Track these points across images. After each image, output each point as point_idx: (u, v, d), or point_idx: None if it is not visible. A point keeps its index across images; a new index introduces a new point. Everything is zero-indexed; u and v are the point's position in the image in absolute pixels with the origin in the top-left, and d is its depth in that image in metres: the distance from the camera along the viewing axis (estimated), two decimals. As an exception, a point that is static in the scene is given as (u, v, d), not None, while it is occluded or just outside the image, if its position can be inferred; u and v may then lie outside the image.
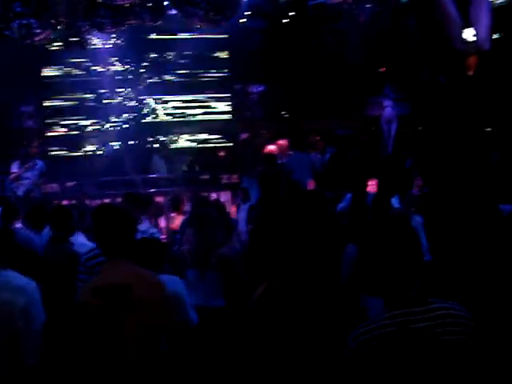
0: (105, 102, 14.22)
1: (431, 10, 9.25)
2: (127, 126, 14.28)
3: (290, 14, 12.33)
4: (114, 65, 14.22)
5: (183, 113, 14.63)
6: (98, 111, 14.14)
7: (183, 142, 14.66)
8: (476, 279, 4.35)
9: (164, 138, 14.46)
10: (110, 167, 12.84)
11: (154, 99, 14.48)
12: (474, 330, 2.50)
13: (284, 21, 12.58)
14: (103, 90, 14.12)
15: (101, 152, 14.16)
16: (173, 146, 14.47)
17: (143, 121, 14.42)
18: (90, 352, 2.67)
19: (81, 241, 5.34)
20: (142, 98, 14.38)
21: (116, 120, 14.27)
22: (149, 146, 14.32)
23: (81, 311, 2.86)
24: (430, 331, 2.41)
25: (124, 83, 14.27)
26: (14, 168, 10.96)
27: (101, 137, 14.25)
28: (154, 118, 14.50)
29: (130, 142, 14.24)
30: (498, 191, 6.61)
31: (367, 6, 11.04)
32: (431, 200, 7.06)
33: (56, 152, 14.20)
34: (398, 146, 12.33)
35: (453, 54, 9.34)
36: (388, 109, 12.71)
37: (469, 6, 8.81)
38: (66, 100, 14.20)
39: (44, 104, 14.16)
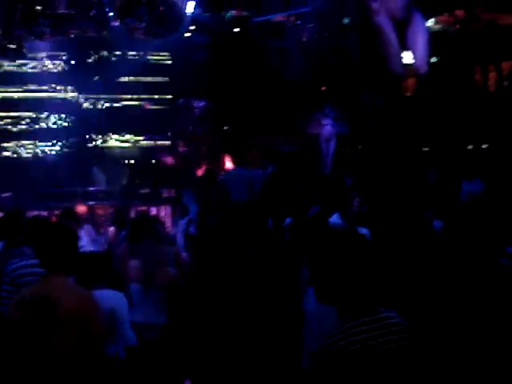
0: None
1: (371, 33, 9.52)
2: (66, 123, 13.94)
3: (235, 30, 12.41)
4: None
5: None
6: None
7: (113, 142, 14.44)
8: (410, 290, 4.57)
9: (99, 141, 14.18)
10: (47, 177, 12.50)
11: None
12: (410, 337, 2.62)
13: (229, 37, 12.64)
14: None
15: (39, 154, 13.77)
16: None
17: (89, 145, 14.21)
18: (14, 364, 2.62)
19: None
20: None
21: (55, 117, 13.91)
22: (90, 144, 13.98)
23: (3, 324, 2.80)
24: (379, 340, 2.50)
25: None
26: None
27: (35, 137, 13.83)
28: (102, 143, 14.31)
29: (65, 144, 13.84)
30: (434, 208, 6.80)
31: (310, 25, 11.22)
32: (370, 217, 7.18)
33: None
34: (337, 165, 12.52)
35: (391, 75, 9.62)
36: (327, 127, 12.89)
37: (407, 30, 9.09)
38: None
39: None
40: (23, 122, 13.65)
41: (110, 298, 4.12)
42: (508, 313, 4.77)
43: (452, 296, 4.75)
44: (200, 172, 10.95)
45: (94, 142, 14.09)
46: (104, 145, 14.14)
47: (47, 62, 13.44)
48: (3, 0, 8.82)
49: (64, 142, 13.78)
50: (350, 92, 11.54)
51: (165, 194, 12.45)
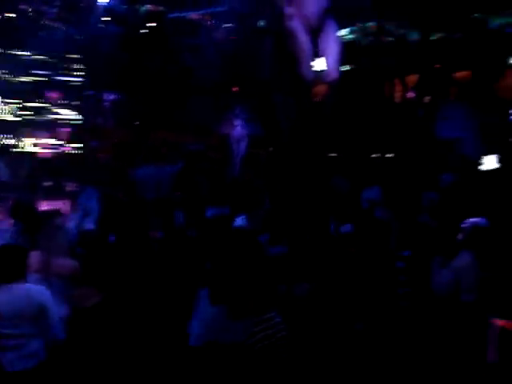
0: None
1: (285, 37, 9.61)
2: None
3: (149, 24, 12.22)
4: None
5: (30, 115, 13.91)
6: None
7: (29, 146, 13.92)
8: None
9: (8, 141, 13.64)
10: None
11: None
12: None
13: (143, 31, 12.43)
14: None
15: None
16: (17, 149, 13.68)
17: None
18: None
19: None
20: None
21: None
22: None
23: None
24: (277, 336, 2.66)
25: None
26: None
27: None
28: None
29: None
30: (342, 213, 6.94)
31: (225, 25, 11.22)
32: (273, 218, 7.25)
33: None
34: (247, 166, 12.57)
35: (302, 80, 9.75)
36: (238, 128, 12.92)
37: (319, 38, 9.22)
38: None
39: None
40: None
41: (37, 293, 4.07)
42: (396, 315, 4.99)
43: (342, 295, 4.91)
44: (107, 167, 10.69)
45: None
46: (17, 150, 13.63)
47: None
48: None
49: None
50: (262, 94, 11.62)
51: (68, 188, 12.07)
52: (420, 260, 5.64)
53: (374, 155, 10.61)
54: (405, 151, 9.94)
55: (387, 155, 10.49)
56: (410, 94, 10.79)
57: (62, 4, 9.17)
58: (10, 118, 13.80)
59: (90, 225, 7.66)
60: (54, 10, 9.49)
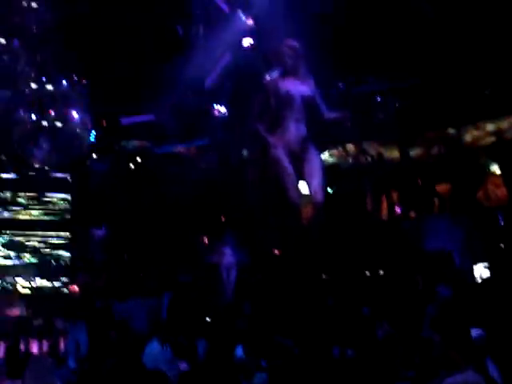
0: None
1: (269, 165, 9.92)
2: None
3: (137, 159, 12.61)
4: None
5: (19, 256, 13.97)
6: None
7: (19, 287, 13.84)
8: None
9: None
10: None
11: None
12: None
13: (131, 165, 12.80)
14: None
15: None
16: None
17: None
18: None
19: None
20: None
21: None
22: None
23: None
24: None
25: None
26: None
27: None
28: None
29: None
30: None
31: (209, 156, 11.60)
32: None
33: None
34: (238, 294, 12.50)
35: (289, 204, 9.95)
36: (227, 256, 12.97)
37: (302, 162, 9.48)
38: None
39: None
40: None
41: None
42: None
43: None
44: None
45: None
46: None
47: None
48: None
49: None
50: (250, 221, 11.79)
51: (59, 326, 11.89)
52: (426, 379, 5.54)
53: (366, 273, 10.67)
54: (396, 266, 10.03)
55: (379, 272, 10.57)
56: (395, 210, 11.06)
57: (52, 147, 9.42)
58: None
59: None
60: (43, 153, 9.69)
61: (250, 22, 9.33)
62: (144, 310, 11.02)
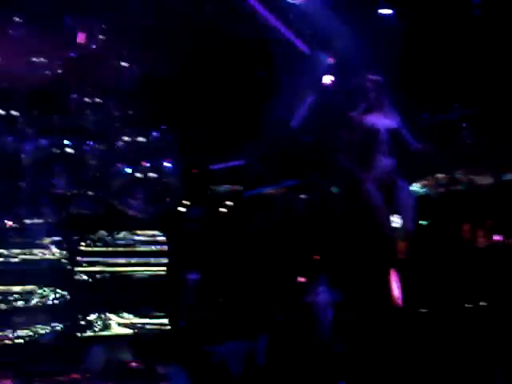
0: None
1: (359, 200, 9.87)
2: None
3: (228, 202, 12.86)
4: None
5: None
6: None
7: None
8: None
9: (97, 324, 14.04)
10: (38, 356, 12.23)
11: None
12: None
13: (221, 209, 13.07)
14: None
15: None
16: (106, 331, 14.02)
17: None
18: None
19: None
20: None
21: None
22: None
23: None
24: None
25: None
26: None
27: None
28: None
29: None
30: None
31: (300, 196, 11.65)
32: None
33: None
34: (335, 332, 12.34)
35: (383, 239, 9.82)
36: (323, 295, 12.88)
37: (393, 195, 9.38)
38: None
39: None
40: None
41: None
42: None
43: None
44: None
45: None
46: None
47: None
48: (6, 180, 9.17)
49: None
50: (343, 259, 11.70)
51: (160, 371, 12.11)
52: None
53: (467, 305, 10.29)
54: (500, 297, 9.62)
55: (481, 303, 10.16)
56: (492, 237, 10.67)
57: (146, 197, 9.79)
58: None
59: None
60: (138, 203, 10.06)
61: (331, 59, 9.46)
62: (241, 352, 11.06)
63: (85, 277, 14.15)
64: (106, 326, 14.13)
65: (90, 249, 14.16)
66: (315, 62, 9.85)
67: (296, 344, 11.72)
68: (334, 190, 11.45)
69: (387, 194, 9.13)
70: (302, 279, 13.01)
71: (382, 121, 8.53)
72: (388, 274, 9.68)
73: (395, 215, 9.92)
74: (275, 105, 10.83)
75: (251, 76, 10.61)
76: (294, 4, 9.18)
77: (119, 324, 14.22)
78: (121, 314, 14.28)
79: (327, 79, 9.82)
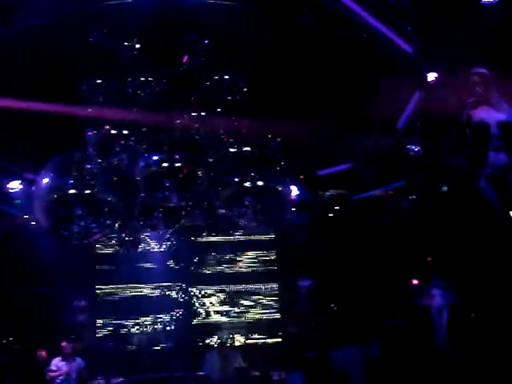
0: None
1: (472, 198, 9.54)
2: (173, 326, 14.54)
3: (335, 208, 12.84)
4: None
5: (232, 310, 14.87)
6: (149, 305, 14.49)
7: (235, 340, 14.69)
8: None
9: (222, 339, 14.55)
10: (158, 363, 12.78)
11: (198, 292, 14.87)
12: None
13: (329, 215, 13.07)
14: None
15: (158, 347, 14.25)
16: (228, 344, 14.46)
17: (193, 322, 14.69)
18: None
19: None
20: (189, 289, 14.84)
21: (164, 319, 14.54)
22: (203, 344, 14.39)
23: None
24: None
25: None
26: (54, 365, 10.96)
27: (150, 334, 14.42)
28: (205, 318, 14.77)
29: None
30: None
31: (410, 197, 11.42)
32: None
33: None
34: (450, 337, 11.97)
35: (500, 240, 9.43)
36: (437, 298, 12.53)
37: (506, 192, 9.00)
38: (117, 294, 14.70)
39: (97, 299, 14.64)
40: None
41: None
42: None
43: None
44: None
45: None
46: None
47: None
48: (122, 196, 9.60)
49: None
50: (458, 261, 11.34)
51: (275, 377, 12.25)
52: None
53: None
54: None
55: None
56: None
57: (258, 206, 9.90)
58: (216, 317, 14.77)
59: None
60: (250, 212, 10.20)
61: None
62: (360, 357, 10.99)
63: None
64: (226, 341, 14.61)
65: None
66: (418, 60, 9.64)
67: (411, 348, 11.49)
68: (445, 189, 11.10)
69: (500, 190, 8.80)
70: (415, 282, 12.73)
71: (492, 115, 8.22)
72: (506, 274, 9.28)
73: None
74: (380, 106, 10.69)
75: (354, 78, 10.54)
76: (393, 3, 9.06)
77: (237, 340, 14.64)
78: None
79: (431, 76, 9.57)
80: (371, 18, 9.44)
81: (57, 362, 10.90)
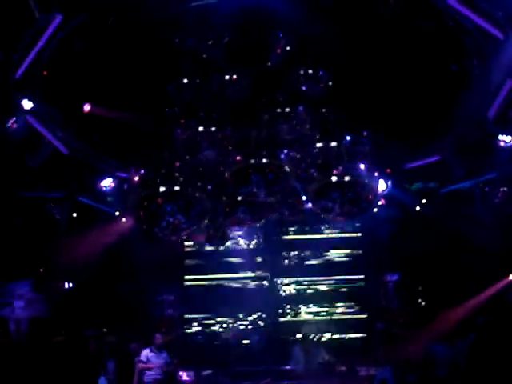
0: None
1: None
2: (263, 324, 14.69)
3: (423, 201, 12.60)
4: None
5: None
6: (236, 300, 14.71)
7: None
8: None
9: (308, 335, 14.60)
10: (245, 357, 12.97)
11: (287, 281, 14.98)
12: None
13: (417, 208, 12.83)
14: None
15: (245, 341, 14.36)
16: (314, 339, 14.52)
17: (281, 319, 14.80)
18: None
19: None
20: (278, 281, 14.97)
21: (254, 317, 14.78)
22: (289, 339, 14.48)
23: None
24: None
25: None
26: (143, 356, 11.24)
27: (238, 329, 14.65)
28: (294, 316, 14.87)
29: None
30: None
31: (500, 189, 11.04)
32: None
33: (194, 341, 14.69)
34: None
35: None
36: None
37: None
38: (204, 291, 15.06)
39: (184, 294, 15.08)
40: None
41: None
42: None
43: None
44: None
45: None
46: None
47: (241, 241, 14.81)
48: (210, 195, 9.78)
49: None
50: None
51: (362, 372, 12.18)
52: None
53: None
54: None
55: None
56: None
57: (344, 200, 9.82)
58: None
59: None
60: (336, 206, 10.12)
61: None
62: (446, 355, 10.81)
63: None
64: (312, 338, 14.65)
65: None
66: (509, 46, 9.26)
67: (499, 347, 11.15)
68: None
69: None
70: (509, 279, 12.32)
71: None
72: None
73: None
74: (469, 95, 10.37)
75: (443, 68, 10.26)
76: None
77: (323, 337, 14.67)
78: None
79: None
80: (458, 4, 9.14)
81: (146, 353, 11.19)
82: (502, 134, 10.70)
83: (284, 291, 15.05)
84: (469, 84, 10.30)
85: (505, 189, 11.26)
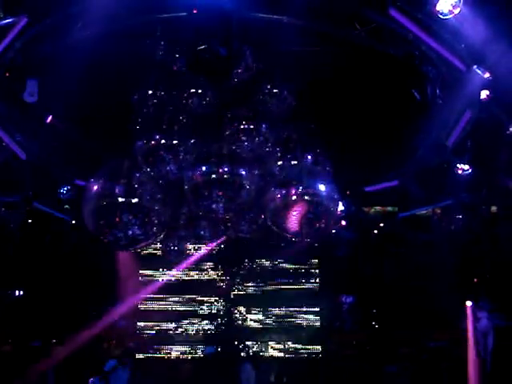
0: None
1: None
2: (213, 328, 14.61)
3: (380, 224, 12.72)
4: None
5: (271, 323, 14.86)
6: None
7: (271, 350, 14.62)
8: None
9: (254, 347, 14.48)
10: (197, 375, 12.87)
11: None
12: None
13: (374, 231, 12.95)
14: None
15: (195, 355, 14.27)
16: (262, 354, 14.40)
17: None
18: None
19: None
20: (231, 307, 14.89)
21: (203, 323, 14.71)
22: (241, 354, 14.38)
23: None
24: None
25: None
26: None
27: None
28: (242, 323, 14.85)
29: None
30: None
31: (456, 216, 11.23)
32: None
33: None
34: (496, 363, 11.67)
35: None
36: (483, 320, 12.26)
37: None
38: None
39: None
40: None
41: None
42: None
43: None
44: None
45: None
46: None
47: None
48: (169, 206, 9.66)
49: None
50: (506, 283, 11.11)
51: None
52: None
53: None
54: None
55: None
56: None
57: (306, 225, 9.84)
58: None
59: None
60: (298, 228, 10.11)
61: (487, 74, 9.05)
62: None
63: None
64: (262, 349, 14.55)
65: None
66: (471, 78, 9.48)
67: (450, 372, 11.24)
68: (493, 209, 10.89)
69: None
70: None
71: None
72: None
73: None
74: (430, 123, 10.56)
75: (405, 96, 10.43)
76: (446, 20, 8.92)
77: (273, 348, 14.58)
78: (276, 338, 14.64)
79: (483, 93, 9.39)
80: (424, 34, 9.33)
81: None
82: (460, 163, 10.92)
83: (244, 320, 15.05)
84: (431, 112, 10.48)
85: (460, 216, 11.45)
